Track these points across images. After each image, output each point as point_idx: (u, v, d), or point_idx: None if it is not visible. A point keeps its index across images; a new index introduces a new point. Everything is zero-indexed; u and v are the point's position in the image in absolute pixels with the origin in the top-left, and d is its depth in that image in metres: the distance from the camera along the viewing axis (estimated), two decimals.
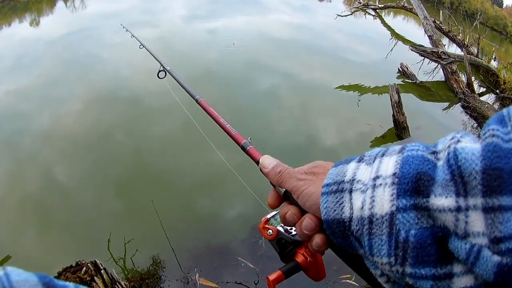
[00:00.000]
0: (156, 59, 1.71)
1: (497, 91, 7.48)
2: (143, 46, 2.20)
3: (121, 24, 3.19)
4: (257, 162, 0.64)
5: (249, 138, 0.73)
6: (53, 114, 4.97)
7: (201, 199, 3.66)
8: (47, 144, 4.40)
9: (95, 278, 2.33)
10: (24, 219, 3.37)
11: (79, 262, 2.43)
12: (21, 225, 3.31)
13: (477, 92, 7.13)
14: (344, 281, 2.78)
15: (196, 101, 1.07)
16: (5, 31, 9.89)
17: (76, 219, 3.36)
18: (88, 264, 2.40)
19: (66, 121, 4.83)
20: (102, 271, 2.39)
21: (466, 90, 6.74)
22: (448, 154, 0.36)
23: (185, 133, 4.28)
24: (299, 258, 0.57)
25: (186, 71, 6.04)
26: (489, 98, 7.40)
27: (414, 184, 0.36)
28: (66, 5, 12.93)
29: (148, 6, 11.22)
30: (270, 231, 0.60)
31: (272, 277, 0.56)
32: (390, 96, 4.97)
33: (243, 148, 0.71)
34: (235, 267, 2.92)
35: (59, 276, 2.38)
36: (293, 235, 0.60)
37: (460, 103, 6.55)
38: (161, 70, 1.57)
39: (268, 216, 0.63)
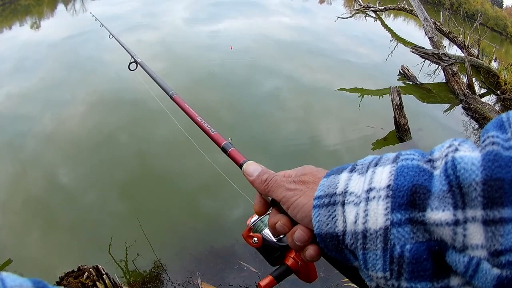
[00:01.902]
0: (127, 50, 1.65)
1: (498, 92, 7.47)
2: (113, 36, 2.12)
3: (90, 12, 3.16)
4: (240, 166, 0.60)
5: (229, 139, 0.69)
6: (56, 117, 5.00)
7: (204, 202, 3.66)
8: (50, 147, 4.41)
9: (97, 283, 2.33)
10: (27, 221, 3.38)
11: (81, 267, 2.43)
12: (24, 228, 3.31)
13: (478, 93, 7.13)
14: (346, 284, 2.77)
15: (171, 97, 0.98)
16: (6, 34, 9.93)
17: (79, 222, 3.37)
18: (90, 269, 2.40)
19: (68, 123, 4.84)
20: (104, 276, 2.39)
21: (467, 92, 6.74)
22: (446, 163, 0.35)
23: (187, 133, 4.28)
24: (289, 262, 0.56)
25: (186, 75, 6.07)
26: (490, 99, 7.40)
27: (409, 198, 0.35)
28: (66, 8, 12.97)
29: (149, 8, 11.24)
30: (255, 239, 0.59)
31: (263, 282, 0.55)
32: (392, 99, 4.96)
33: (224, 150, 0.67)
34: (238, 271, 2.92)
35: (61, 281, 2.38)
36: (281, 238, 0.58)
37: (461, 105, 6.55)
38: (132, 62, 1.51)
39: (253, 219, 0.62)
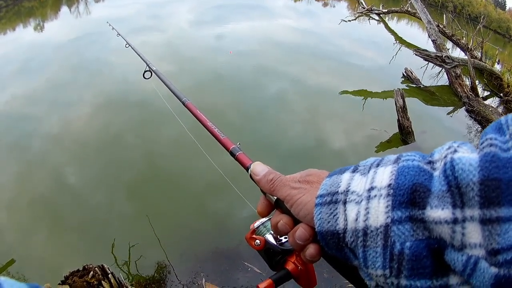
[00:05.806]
0: (142, 59, 1.66)
1: (501, 94, 7.45)
2: (129, 45, 2.15)
3: (107, 22, 3.15)
4: (247, 169, 0.61)
5: (238, 144, 0.71)
6: (62, 117, 5.02)
7: (210, 203, 3.66)
8: (56, 147, 4.44)
9: (103, 282, 2.34)
10: (33, 221, 3.39)
11: (86, 266, 2.44)
12: (30, 227, 3.33)
13: (481, 96, 7.10)
14: (350, 285, 2.77)
15: (183, 103, 1.03)
16: (9, 35, 9.99)
17: (85, 222, 3.39)
18: (96, 268, 2.41)
19: (75, 124, 4.87)
20: (110, 276, 2.40)
21: (470, 94, 6.72)
22: (445, 164, 0.35)
23: (194, 136, 4.30)
24: (290, 266, 0.57)
25: (191, 78, 6.08)
26: (493, 102, 7.38)
27: (409, 196, 0.36)
28: (70, 10, 13.04)
29: (154, 10, 11.27)
30: (258, 241, 0.59)
31: (262, 285, 0.55)
32: (395, 101, 4.96)
33: (232, 154, 0.69)
34: (242, 271, 2.92)
35: (66, 280, 2.38)
36: (282, 243, 0.59)
37: (464, 107, 6.53)
38: (147, 70, 1.52)
39: (256, 224, 0.62)
